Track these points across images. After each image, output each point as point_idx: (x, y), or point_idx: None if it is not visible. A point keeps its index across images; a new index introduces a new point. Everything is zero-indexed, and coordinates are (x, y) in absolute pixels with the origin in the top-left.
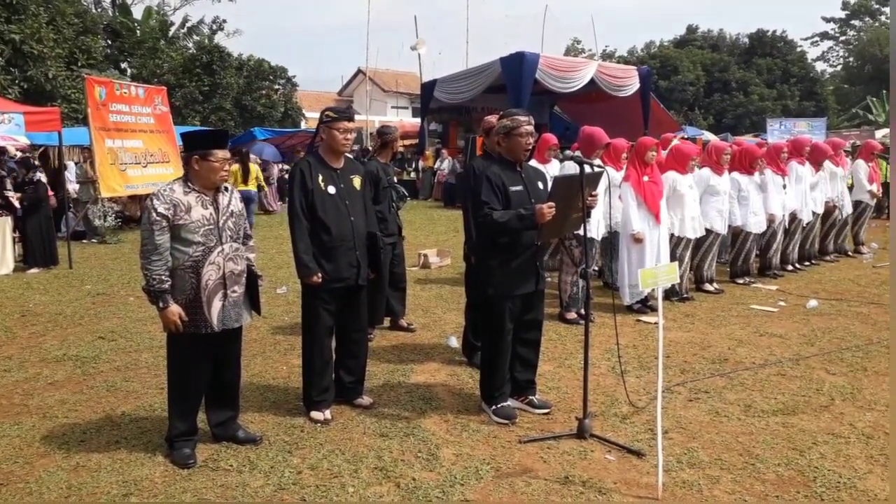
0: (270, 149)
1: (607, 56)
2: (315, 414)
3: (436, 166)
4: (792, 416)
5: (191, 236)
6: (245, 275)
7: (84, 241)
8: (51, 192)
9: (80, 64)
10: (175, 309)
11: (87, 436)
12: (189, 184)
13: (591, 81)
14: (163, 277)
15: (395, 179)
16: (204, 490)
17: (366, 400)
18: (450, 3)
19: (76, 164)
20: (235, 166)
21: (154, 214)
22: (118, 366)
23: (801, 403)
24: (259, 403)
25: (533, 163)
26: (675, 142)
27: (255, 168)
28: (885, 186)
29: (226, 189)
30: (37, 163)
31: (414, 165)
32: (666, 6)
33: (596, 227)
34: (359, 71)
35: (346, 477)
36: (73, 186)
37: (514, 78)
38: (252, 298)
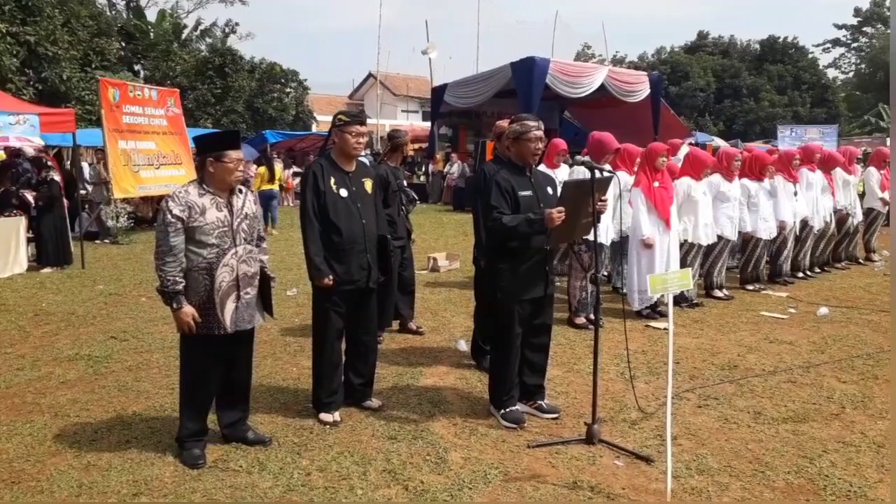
0: (247, 149)
1: (618, 62)
2: (324, 416)
3: (445, 170)
4: (802, 423)
5: (205, 238)
6: (258, 277)
7: (97, 241)
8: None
9: (94, 66)
10: (189, 310)
11: (98, 435)
12: (204, 186)
13: (602, 87)
14: (177, 279)
15: (406, 183)
16: (213, 490)
17: (375, 402)
18: (461, 8)
19: (90, 165)
20: (262, 168)
21: (169, 216)
22: (130, 366)
23: (812, 411)
24: (269, 404)
25: (542, 168)
26: (685, 148)
27: (278, 169)
28: None
29: (240, 191)
30: (50, 163)
31: (423, 169)
32: (677, 12)
33: (605, 232)
34: (370, 75)
35: (355, 479)
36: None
37: (525, 83)
38: (264, 300)
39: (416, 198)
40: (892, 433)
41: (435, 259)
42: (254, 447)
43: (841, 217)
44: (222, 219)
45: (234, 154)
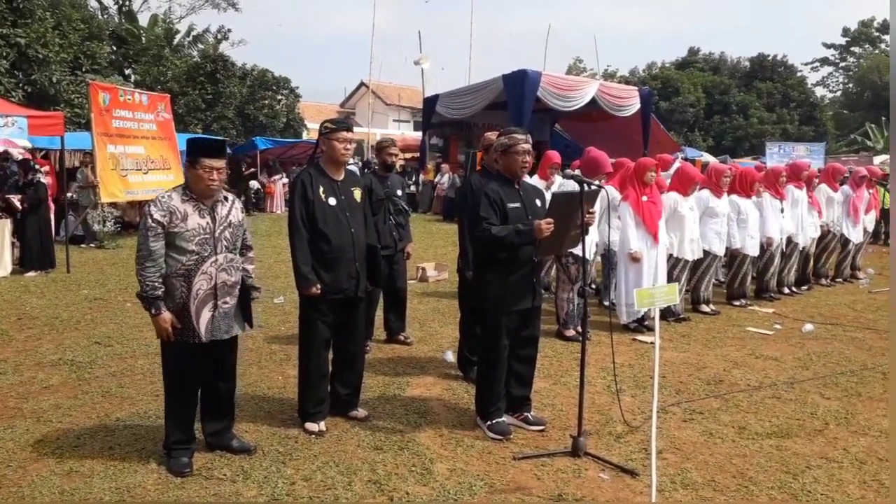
0: None
1: (609, 76)
2: (310, 425)
3: (436, 180)
4: (786, 439)
5: (185, 244)
6: (238, 286)
7: (82, 245)
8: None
9: (84, 69)
10: (167, 316)
11: (80, 441)
12: (187, 191)
13: (593, 101)
14: (156, 284)
15: (400, 193)
16: (197, 499)
17: (361, 412)
18: (454, 19)
19: (78, 168)
20: None
21: (150, 221)
22: (113, 371)
23: (795, 427)
24: (254, 413)
25: (535, 179)
26: (677, 164)
27: None
28: (884, 213)
29: (226, 199)
30: (43, 169)
31: (414, 179)
32: (668, 28)
33: (591, 246)
34: (361, 83)
35: (340, 489)
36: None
37: (516, 95)
38: (244, 310)
39: (407, 208)
40: (892, 437)
41: (424, 269)
42: (238, 456)
43: (823, 233)
44: (204, 226)
45: (207, 162)
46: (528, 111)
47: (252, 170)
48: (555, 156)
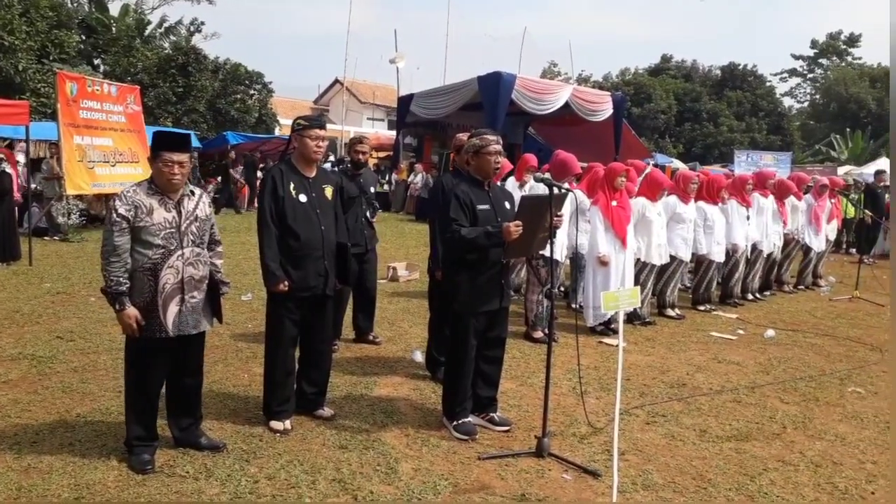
0: None
1: (583, 81)
2: (275, 423)
3: (409, 180)
4: (745, 442)
5: (151, 239)
6: (206, 280)
7: (46, 237)
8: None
9: (52, 58)
10: (132, 312)
11: (39, 437)
12: (153, 185)
13: (566, 105)
14: (121, 280)
15: (373, 189)
16: (158, 496)
17: (327, 411)
18: (430, 19)
19: (42, 159)
20: None
21: (114, 215)
22: (75, 367)
23: (755, 430)
24: (218, 411)
25: (511, 182)
26: (648, 169)
27: None
28: (845, 223)
29: (192, 193)
30: (2, 155)
31: (387, 178)
32: (642, 35)
33: (560, 249)
34: (336, 80)
35: (304, 488)
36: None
37: (491, 97)
38: (213, 305)
39: (377, 206)
40: (892, 437)
41: (395, 268)
42: (202, 453)
43: (786, 240)
44: (170, 220)
45: (168, 155)
46: (503, 113)
47: (262, 165)
48: (531, 159)
